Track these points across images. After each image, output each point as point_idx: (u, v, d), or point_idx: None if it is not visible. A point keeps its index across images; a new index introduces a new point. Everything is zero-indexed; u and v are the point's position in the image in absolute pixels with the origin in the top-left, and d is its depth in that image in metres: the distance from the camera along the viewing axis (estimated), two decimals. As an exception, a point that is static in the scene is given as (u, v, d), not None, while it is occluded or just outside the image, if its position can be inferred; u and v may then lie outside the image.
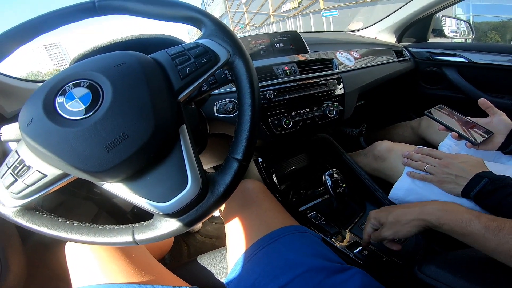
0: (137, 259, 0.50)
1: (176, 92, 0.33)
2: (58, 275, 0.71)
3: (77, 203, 0.98)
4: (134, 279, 0.46)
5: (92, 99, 0.29)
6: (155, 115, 0.29)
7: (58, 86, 0.30)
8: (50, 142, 0.28)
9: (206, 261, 0.61)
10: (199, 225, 1.26)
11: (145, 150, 0.29)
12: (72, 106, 0.29)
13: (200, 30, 0.38)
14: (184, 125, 0.33)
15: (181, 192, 0.30)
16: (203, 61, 0.34)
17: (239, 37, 0.39)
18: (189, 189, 0.31)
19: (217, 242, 1.18)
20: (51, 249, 0.74)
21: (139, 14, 0.39)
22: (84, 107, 0.29)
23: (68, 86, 0.30)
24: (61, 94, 0.30)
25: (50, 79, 0.32)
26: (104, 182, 0.32)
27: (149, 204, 0.31)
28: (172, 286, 0.47)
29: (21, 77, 0.68)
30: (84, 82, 0.30)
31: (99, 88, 0.29)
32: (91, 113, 0.29)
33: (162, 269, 0.54)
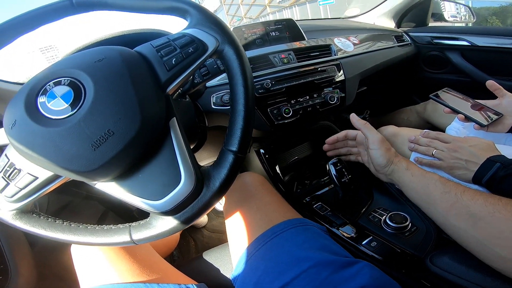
0: (142, 258, 0.50)
1: (164, 85, 0.31)
2: (65, 277, 0.71)
3: (82, 204, 0.98)
4: (140, 278, 0.45)
5: (74, 97, 0.28)
6: (140, 109, 0.28)
7: (39, 85, 0.29)
8: (35, 143, 0.27)
9: (212, 256, 0.60)
10: (205, 221, 1.26)
11: (133, 146, 0.28)
12: (55, 105, 0.28)
13: (186, 20, 0.36)
14: (174, 118, 0.32)
15: (175, 188, 0.29)
16: (189, 51, 0.32)
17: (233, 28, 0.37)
18: (183, 185, 0.30)
19: (224, 236, 1.17)
20: (58, 252, 0.74)
21: (120, 9, 0.38)
22: (66, 105, 0.28)
23: (49, 85, 0.29)
24: (42, 94, 0.29)
25: (30, 79, 0.31)
26: (96, 182, 0.31)
27: (143, 203, 0.30)
28: (178, 284, 0.46)
29: (14, 81, 0.67)
30: (64, 80, 0.29)
31: (80, 85, 0.28)
32: (74, 111, 0.27)
33: (168, 266, 0.53)
